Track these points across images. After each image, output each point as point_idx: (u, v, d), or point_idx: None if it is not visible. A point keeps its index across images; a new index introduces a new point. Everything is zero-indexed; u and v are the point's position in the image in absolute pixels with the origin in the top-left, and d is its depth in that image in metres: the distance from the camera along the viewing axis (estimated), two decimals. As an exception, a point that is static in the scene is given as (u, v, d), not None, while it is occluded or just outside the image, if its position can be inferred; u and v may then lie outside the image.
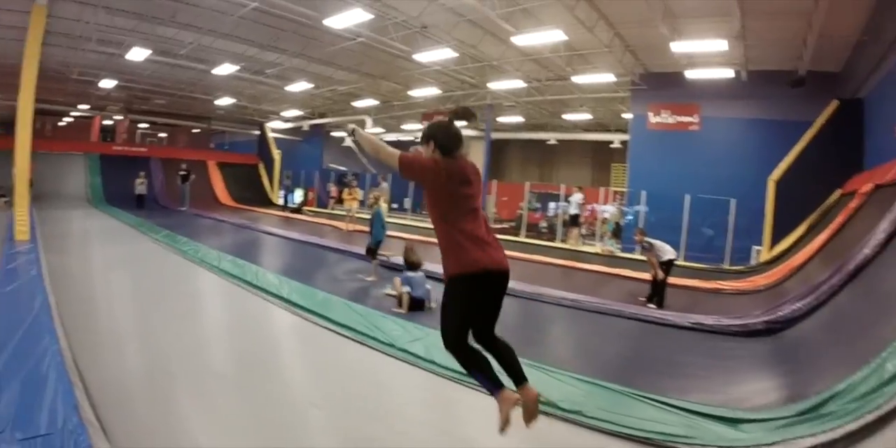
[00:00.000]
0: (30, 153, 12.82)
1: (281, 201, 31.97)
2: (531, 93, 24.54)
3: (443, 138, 3.67)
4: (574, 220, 20.23)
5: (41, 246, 11.97)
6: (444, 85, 25.04)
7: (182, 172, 25.40)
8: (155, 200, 27.86)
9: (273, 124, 36.45)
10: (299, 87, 25.24)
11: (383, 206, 19.16)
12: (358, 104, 28.80)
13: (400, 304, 8.83)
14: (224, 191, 32.13)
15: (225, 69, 22.36)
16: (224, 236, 18.24)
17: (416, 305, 8.83)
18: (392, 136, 39.00)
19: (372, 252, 11.50)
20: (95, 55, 22.89)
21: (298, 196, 30.83)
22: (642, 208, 19.46)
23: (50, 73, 24.46)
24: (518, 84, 22.01)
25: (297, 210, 29.11)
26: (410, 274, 9.15)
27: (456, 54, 18.69)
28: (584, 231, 20.42)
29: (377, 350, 6.53)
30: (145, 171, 26.68)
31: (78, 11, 17.62)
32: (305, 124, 34.77)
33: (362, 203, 23.49)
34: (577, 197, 20.13)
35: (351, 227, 20.70)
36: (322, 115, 34.56)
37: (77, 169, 29.22)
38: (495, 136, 32.10)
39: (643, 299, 10.72)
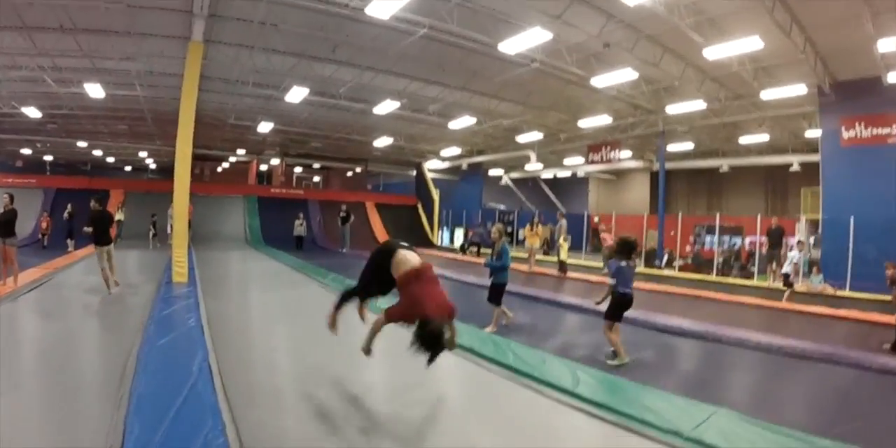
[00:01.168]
0: (188, 193, 12.70)
1: (443, 242, 31.47)
2: (707, 115, 22.54)
3: None
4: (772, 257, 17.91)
5: (200, 290, 11.66)
6: (615, 112, 23.55)
7: (342, 214, 25.43)
8: (313, 241, 28.22)
9: (430, 164, 36.32)
10: (461, 123, 24.56)
11: (563, 245, 18.05)
12: (521, 138, 27.79)
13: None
14: (383, 231, 31.75)
15: (385, 107, 22.11)
16: None
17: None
18: (550, 173, 38.28)
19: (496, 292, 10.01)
20: (252, 99, 23.65)
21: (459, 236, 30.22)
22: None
23: (207, 119, 25.54)
24: (697, 106, 20.11)
25: (462, 250, 28.55)
26: (623, 263, 8.12)
27: (636, 75, 17.35)
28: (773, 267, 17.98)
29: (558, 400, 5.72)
30: (303, 213, 27.19)
31: (234, 54, 18.01)
32: (464, 163, 34.37)
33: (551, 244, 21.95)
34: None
35: (534, 268, 19.35)
36: (480, 153, 34.03)
37: (236, 211, 30.34)
38: (639, 165, 31.07)
39: (888, 346, 8.92)
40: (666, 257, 24.07)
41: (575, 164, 34.95)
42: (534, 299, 13.39)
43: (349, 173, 46.04)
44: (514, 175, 40.88)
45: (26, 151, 38.43)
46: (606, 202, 40.16)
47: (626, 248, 8.27)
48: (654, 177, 35.02)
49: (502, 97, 22.56)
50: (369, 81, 20.35)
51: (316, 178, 49.40)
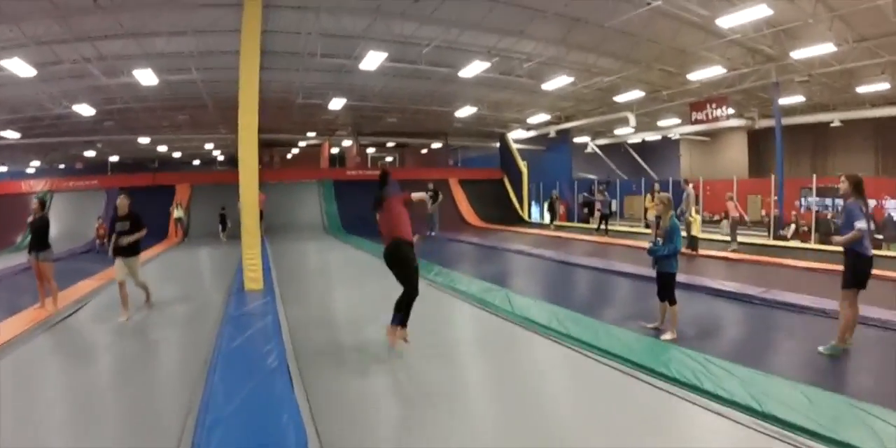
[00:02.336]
0: (257, 180, 10.33)
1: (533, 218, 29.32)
2: (826, 62, 19.62)
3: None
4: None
5: (279, 299, 9.58)
6: (728, 62, 20.60)
7: (429, 192, 22.66)
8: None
9: (513, 134, 33.60)
10: (556, 83, 21.84)
11: (695, 218, 15.30)
12: (620, 98, 24.85)
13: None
14: (469, 210, 30.14)
15: (472, 69, 19.58)
16: (488, 263, 15.51)
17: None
18: (638, 137, 36.13)
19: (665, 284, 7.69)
20: (321, 74, 21.64)
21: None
22: None
23: (273, 100, 23.94)
24: (826, 49, 17.14)
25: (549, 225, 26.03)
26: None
27: (770, 12, 14.37)
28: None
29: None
30: (384, 194, 24.46)
31: (298, 19, 15.88)
32: (552, 130, 31.51)
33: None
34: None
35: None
36: (569, 119, 31.17)
37: (310, 197, 28.63)
38: (741, 124, 28.56)
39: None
40: (793, 227, 21.92)
41: (670, 125, 32.58)
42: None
43: (424, 150, 43.95)
44: (600, 141, 38.72)
45: (90, 154, 37.52)
46: (700, 166, 38.33)
47: (861, 187, 6.59)
48: (752, 136, 34.99)
49: (603, 51, 19.98)
50: (455, 39, 17.99)
51: (388, 159, 47.42)
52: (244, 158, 9.77)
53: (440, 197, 23.21)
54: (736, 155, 36.92)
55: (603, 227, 21.71)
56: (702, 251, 15.55)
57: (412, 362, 6.25)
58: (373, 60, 17.67)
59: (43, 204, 10.22)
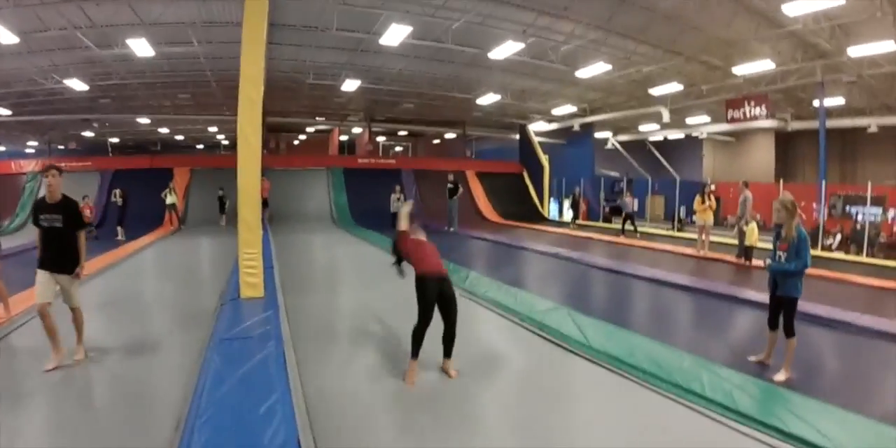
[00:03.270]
0: (258, 162, 8.34)
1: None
2: (876, 62, 18.54)
3: None
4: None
5: (283, 312, 7.64)
6: (778, 56, 18.94)
7: (449, 185, 20.87)
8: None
9: (535, 126, 31.67)
10: (592, 70, 20.13)
11: (753, 226, 13.42)
12: (656, 91, 23.14)
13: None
14: (487, 205, 28.11)
15: (504, 50, 17.74)
16: (525, 268, 13.69)
17: None
18: (660, 135, 34.40)
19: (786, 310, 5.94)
20: (335, 52, 20.04)
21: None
22: None
23: (281, 80, 22.61)
24: (888, 46, 15.68)
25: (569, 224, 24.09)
26: None
27: (843, 1, 12.70)
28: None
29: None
30: (399, 185, 22.76)
31: None
32: (576, 123, 29.64)
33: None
34: None
35: (707, 251, 15.04)
36: (595, 112, 29.32)
37: (319, 186, 26.57)
38: (772, 125, 26.55)
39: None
40: (838, 237, 20.66)
41: (699, 123, 30.91)
42: (731, 299, 9.32)
43: (436, 140, 42.11)
44: (622, 138, 37.16)
45: (88, 134, 35.69)
46: (724, 168, 37.28)
47: None
48: (781, 139, 33.77)
49: (645, 38, 18.32)
50: (489, 13, 16.17)
51: (398, 148, 45.70)
52: (245, 135, 7.79)
53: (460, 190, 21.34)
54: (762, 157, 35.58)
55: (630, 227, 19.95)
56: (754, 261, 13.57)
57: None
58: (395, 35, 15.85)
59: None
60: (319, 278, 11.95)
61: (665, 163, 37.75)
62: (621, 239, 18.75)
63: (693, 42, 18.52)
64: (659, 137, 36.88)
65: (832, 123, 26.39)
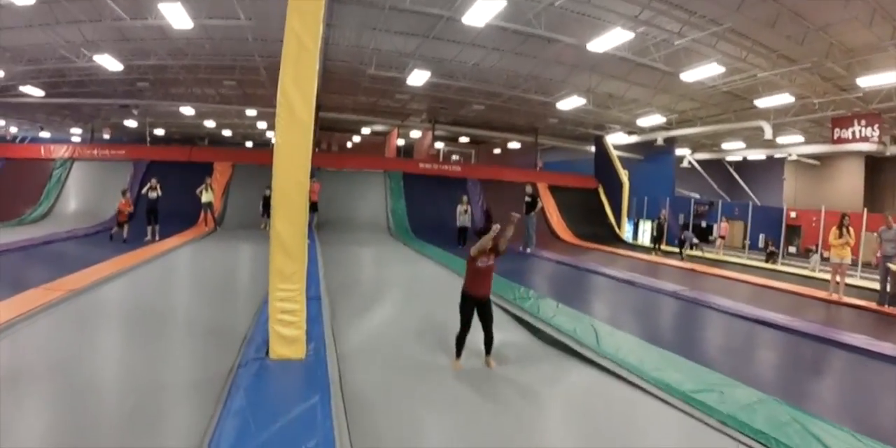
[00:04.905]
0: (308, 155, 5.26)
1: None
2: None
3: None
4: None
5: (337, 389, 4.79)
6: None
7: (527, 198, 17.81)
8: (476, 233, 20.62)
9: (612, 138, 28.57)
10: (699, 73, 17.31)
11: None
12: (762, 102, 20.15)
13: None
14: (561, 223, 24.99)
15: (606, 42, 14.94)
16: (641, 308, 10.57)
17: None
18: (739, 154, 31.38)
19: None
20: (402, 38, 17.70)
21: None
22: None
23: (338, 71, 20.68)
24: None
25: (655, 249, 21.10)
26: None
27: None
28: None
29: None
30: (467, 197, 19.46)
31: None
32: (660, 136, 26.53)
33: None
34: None
35: (839, 295, 11.95)
36: (684, 124, 26.24)
37: (374, 191, 23.68)
38: (869, 148, 23.27)
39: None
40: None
41: (792, 142, 28.05)
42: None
43: (497, 150, 39.23)
44: (698, 156, 34.29)
45: (131, 124, 33.54)
46: (806, 193, 34.42)
47: None
48: (871, 164, 31.44)
49: (762, 40, 15.83)
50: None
51: (455, 157, 42.87)
52: (289, 98, 4.93)
53: (539, 205, 18.25)
54: (849, 183, 32.73)
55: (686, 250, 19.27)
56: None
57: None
58: (484, 10, 12.91)
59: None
60: (387, 317, 8.49)
61: (744, 185, 35.64)
62: (727, 272, 15.55)
63: (816, 47, 15.73)
64: (738, 157, 34.23)
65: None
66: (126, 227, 14.90)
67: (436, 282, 10.88)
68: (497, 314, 7.12)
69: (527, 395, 5.52)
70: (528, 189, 17.87)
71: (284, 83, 4.99)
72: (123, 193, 15.63)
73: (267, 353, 5.17)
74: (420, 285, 10.91)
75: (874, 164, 31.05)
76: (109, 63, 18.06)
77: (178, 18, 13.64)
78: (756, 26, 14.84)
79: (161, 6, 13.08)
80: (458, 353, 6.00)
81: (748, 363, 7.08)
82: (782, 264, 21.08)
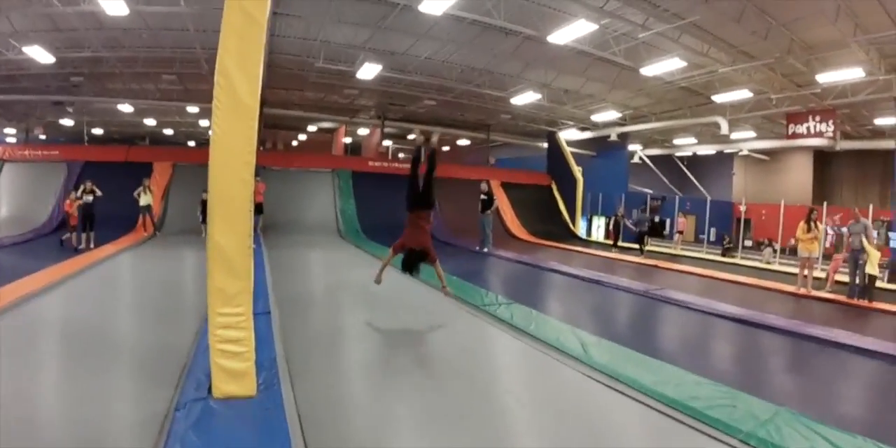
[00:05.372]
0: (253, 150, 4.25)
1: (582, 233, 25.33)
2: None
3: None
4: None
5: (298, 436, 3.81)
6: (869, 64, 16.05)
7: (483, 196, 17.15)
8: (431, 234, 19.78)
9: (565, 134, 28.04)
10: (661, 67, 17.16)
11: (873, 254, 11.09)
12: (720, 98, 20.04)
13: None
14: (515, 220, 24.29)
15: (569, 33, 14.49)
16: (596, 304, 10.27)
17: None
18: (690, 150, 32.20)
19: None
20: (352, 29, 16.88)
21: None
22: None
23: (285, 65, 19.90)
24: None
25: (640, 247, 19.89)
26: None
27: None
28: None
29: None
30: (418, 196, 18.56)
31: None
32: (614, 133, 26.13)
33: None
34: None
35: (809, 288, 12.07)
36: (637, 120, 26.02)
37: (322, 190, 22.57)
38: (821, 143, 22.66)
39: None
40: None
41: (744, 138, 28.16)
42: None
43: (446, 148, 38.35)
44: (649, 152, 34.31)
45: (67, 123, 31.64)
46: (756, 187, 34.80)
47: None
48: (819, 158, 32.16)
49: (725, 36, 15.76)
50: None
51: (402, 155, 41.97)
52: (228, 76, 4.11)
53: (495, 203, 17.49)
54: (798, 178, 33.22)
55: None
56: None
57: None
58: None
59: None
60: (348, 332, 7.36)
61: (694, 180, 35.60)
62: (691, 268, 15.39)
63: (778, 43, 15.63)
64: (687, 153, 34.06)
65: (880, 144, 24.76)
66: (72, 230, 13.73)
67: (395, 287, 9.94)
68: (468, 322, 7.61)
69: (525, 406, 4.91)
70: (484, 186, 17.11)
71: (224, 61, 4.05)
72: (70, 193, 14.42)
73: (210, 390, 4.25)
74: (378, 292, 9.93)
75: (823, 159, 31.44)
76: (40, 55, 16.74)
77: (112, 4, 12.47)
78: (720, 21, 14.51)
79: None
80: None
81: (745, 368, 6.68)
82: (741, 258, 21.03)
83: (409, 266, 7.44)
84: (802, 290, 11.92)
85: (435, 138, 8.23)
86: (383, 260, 7.91)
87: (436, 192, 7.90)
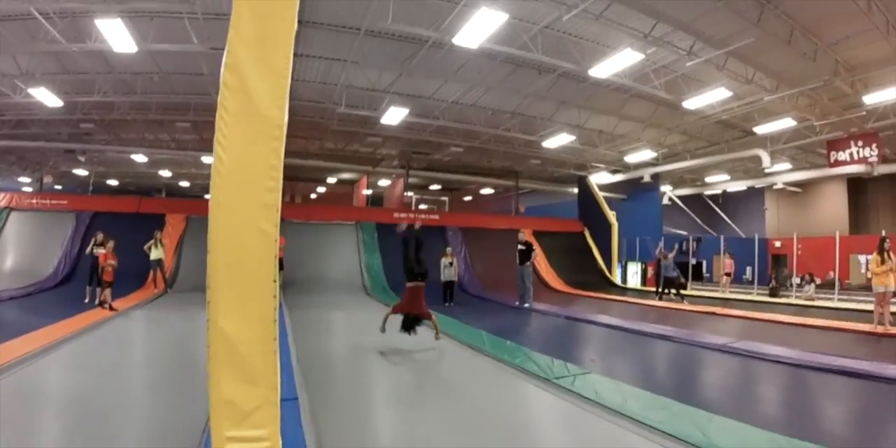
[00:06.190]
0: (279, 190, 3.22)
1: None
2: None
3: None
4: None
5: None
6: None
7: (520, 247, 15.55)
8: (462, 289, 18.70)
9: (595, 178, 26.83)
10: (707, 98, 16.00)
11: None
12: (762, 128, 19.01)
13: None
14: (550, 271, 22.78)
15: (614, 64, 13.41)
16: (677, 365, 8.70)
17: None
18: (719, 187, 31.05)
19: None
20: (376, 73, 16.03)
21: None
22: None
23: (305, 112, 19.19)
24: None
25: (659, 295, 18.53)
26: None
27: None
28: None
29: None
30: (450, 248, 17.37)
31: None
32: (647, 174, 24.88)
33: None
34: None
35: (885, 327, 10.90)
36: (670, 159, 24.97)
37: (346, 244, 21.26)
38: (858, 170, 21.13)
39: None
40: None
41: (780, 170, 26.53)
42: None
43: (467, 198, 37.24)
44: (680, 192, 32.98)
45: (81, 173, 30.68)
46: (789, 221, 32.87)
47: None
48: (853, 186, 30.23)
49: (766, 61, 14.44)
50: (600, 13, 11.90)
51: (423, 205, 40.80)
52: (256, 97, 2.68)
53: (534, 254, 15.91)
54: (832, 208, 31.27)
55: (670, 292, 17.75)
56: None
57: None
58: (476, 29, 11.03)
59: None
60: (393, 420, 5.51)
61: (727, 218, 34.22)
62: (752, 313, 13.81)
63: (825, 65, 14.34)
64: (717, 190, 32.89)
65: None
66: (103, 286, 12.04)
67: (439, 357, 8.38)
68: (536, 395, 6.15)
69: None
70: (521, 236, 15.50)
71: (235, 50, 2.66)
72: (101, 243, 13.00)
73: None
74: (428, 361, 8.27)
75: (856, 187, 29.90)
76: (48, 98, 15.85)
77: (119, 40, 11.53)
78: (767, 45, 13.18)
79: (99, 23, 10.91)
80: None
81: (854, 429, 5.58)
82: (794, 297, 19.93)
83: (408, 327, 8.38)
84: (880, 329, 10.81)
85: (418, 225, 9.28)
86: (386, 312, 8.82)
87: (426, 264, 9.06)
